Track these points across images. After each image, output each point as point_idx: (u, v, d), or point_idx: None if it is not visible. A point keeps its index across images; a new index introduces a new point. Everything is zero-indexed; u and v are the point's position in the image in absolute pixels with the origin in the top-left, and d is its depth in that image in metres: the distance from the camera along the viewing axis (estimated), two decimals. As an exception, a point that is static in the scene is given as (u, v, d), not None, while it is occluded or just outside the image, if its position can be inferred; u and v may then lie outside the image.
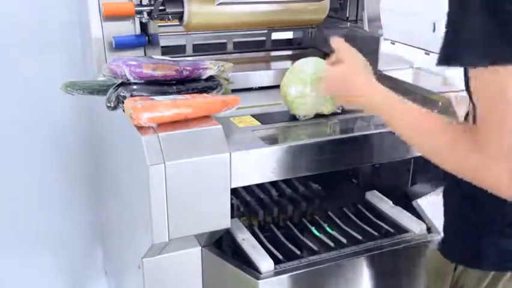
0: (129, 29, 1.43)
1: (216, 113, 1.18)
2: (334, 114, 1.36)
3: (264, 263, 1.19)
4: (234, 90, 1.39)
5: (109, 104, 1.19)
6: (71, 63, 1.74)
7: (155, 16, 1.41)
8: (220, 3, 1.46)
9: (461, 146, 0.85)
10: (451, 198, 1.03)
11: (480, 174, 0.84)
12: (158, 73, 1.19)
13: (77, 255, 2.02)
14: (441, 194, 1.06)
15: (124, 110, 1.16)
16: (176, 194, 1.09)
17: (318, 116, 1.35)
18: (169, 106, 1.12)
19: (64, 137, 1.85)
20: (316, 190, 1.46)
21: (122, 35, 1.41)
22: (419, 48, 1.59)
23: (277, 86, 1.40)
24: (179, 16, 1.47)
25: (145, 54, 1.45)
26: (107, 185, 1.66)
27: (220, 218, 1.15)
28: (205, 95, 1.23)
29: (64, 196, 1.92)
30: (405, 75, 1.51)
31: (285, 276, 1.19)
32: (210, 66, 1.25)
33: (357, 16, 1.71)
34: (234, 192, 1.29)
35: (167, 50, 1.59)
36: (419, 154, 1.32)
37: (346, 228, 1.36)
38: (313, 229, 1.36)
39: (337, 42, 1.20)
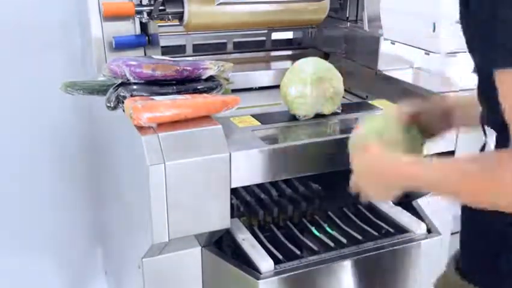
0: (129, 29, 1.43)
1: (216, 113, 1.18)
2: (334, 114, 1.36)
3: (264, 263, 1.19)
4: (234, 90, 1.39)
5: (109, 104, 1.19)
6: (71, 63, 1.73)
7: (155, 16, 1.41)
8: (220, 3, 1.46)
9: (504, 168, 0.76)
10: (470, 213, 0.95)
11: None
12: (158, 73, 1.19)
13: (77, 255, 2.02)
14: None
15: (124, 110, 1.16)
16: (176, 194, 1.09)
17: (318, 116, 1.35)
18: (169, 106, 1.12)
19: (63, 137, 1.85)
20: (316, 190, 1.46)
21: (122, 35, 1.41)
22: (419, 48, 1.59)
23: (277, 86, 1.40)
24: (179, 16, 1.47)
25: (145, 54, 1.45)
26: (107, 185, 1.66)
27: (220, 218, 1.15)
28: (205, 95, 1.23)
29: (64, 196, 1.92)
30: (405, 75, 1.51)
31: (285, 276, 1.19)
32: (210, 66, 1.25)
33: (357, 16, 1.71)
34: (234, 192, 1.29)
35: (167, 50, 1.59)
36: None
37: (346, 228, 1.35)
38: (313, 229, 1.36)
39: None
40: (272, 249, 1.27)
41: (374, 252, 1.28)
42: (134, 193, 1.23)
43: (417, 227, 1.35)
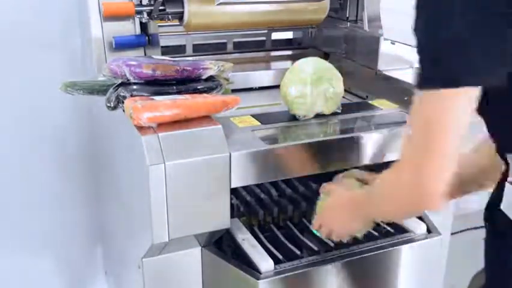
0: (129, 29, 1.43)
1: (216, 113, 1.18)
2: (334, 114, 1.36)
3: (264, 263, 1.19)
4: (234, 90, 1.39)
5: (109, 104, 1.19)
6: (71, 63, 1.73)
7: (155, 16, 1.41)
8: (220, 3, 1.46)
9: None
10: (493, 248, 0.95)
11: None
12: (158, 73, 1.19)
13: (77, 255, 2.02)
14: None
15: (124, 110, 1.16)
16: (176, 194, 1.09)
17: (318, 116, 1.35)
18: (169, 106, 1.12)
19: (63, 137, 1.85)
20: (317, 190, 1.46)
21: (122, 35, 1.41)
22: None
23: (277, 86, 1.40)
24: (179, 16, 1.47)
25: (145, 54, 1.45)
26: (107, 185, 1.66)
27: (220, 218, 1.15)
28: (205, 95, 1.23)
29: (63, 196, 1.92)
30: (405, 75, 1.51)
31: (285, 276, 1.19)
32: (210, 66, 1.25)
33: (357, 16, 1.71)
34: (234, 192, 1.29)
35: (167, 50, 1.59)
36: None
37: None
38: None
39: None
40: (272, 249, 1.27)
41: (374, 252, 1.28)
42: (134, 193, 1.23)
43: (417, 227, 1.35)
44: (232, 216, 1.19)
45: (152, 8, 1.40)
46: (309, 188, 1.45)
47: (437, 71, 0.79)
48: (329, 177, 1.28)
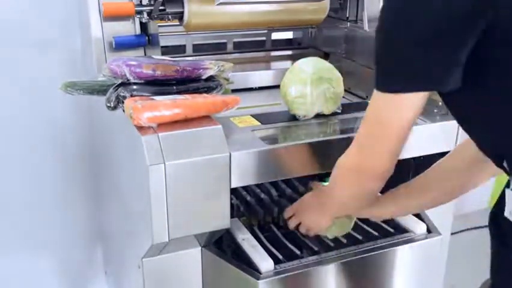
0: (129, 29, 1.43)
1: (216, 113, 1.18)
2: (334, 114, 1.36)
3: (264, 263, 1.19)
4: (234, 90, 1.39)
5: (109, 104, 1.19)
6: (71, 63, 1.73)
7: (155, 16, 1.41)
8: (220, 3, 1.45)
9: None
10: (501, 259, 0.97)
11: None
12: (158, 73, 1.19)
13: (77, 255, 2.02)
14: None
15: (124, 110, 1.16)
16: (176, 194, 1.09)
17: (318, 116, 1.35)
18: (169, 106, 1.12)
19: (63, 137, 1.85)
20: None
21: (122, 35, 1.41)
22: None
23: (277, 86, 1.40)
24: (179, 16, 1.47)
25: (145, 54, 1.45)
26: (107, 185, 1.66)
27: (220, 218, 1.15)
28: (205, 95, 1.23)
29: (63, 196, 1.92)
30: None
31: (285, 276, 1.19)
32: (210, 66, 1.25)
33: (357, 16, 1.71)
34: (234, 192, 1.29)
35: (167, 50, 1.59)
36: (418, 154, 1.33)
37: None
38: (313, 229, 1.36)
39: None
40: (272, 249, 1.27)
41: (374, 252, 1.28)
42: (134, 193, 1.23)
43: (417, 227, 1.35)
44: (232, 216, 1.19)
45: (152, 8, 1.40)
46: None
47: (393, 75, 0.86)
48: (328, 177, 1.28)
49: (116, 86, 1.19)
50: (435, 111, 1.34)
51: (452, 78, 0.81)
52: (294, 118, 1.34)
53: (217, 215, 1.15)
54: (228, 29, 1.76)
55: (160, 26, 1.50)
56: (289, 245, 1.29)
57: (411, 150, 1.30)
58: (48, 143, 1.84)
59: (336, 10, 1.75)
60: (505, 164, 0.86)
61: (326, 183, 1.29)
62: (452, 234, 1.59)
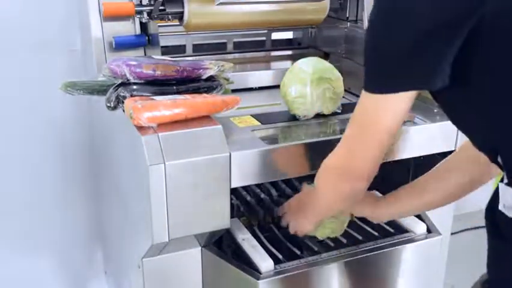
0: (129, 29, 1.43)
1: (216, 113, 1.18)
2: (334, 114, 1.36)
3: (264, 263, 1.19)
4: (234, 90, 1.39)
5: (109, 104, 1.19)
6: (71, 63, 1.73)
7: (155, 16, 1.41)
8: (220, 3, 1.45)
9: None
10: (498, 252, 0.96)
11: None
12: (158, 73, 1.19)
13: (77, 255, 2.02)
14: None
15: (124, 110, 1.16)
16: (176, 194, 1.09)
17: (318, 116, 1.35)
18: (169, 106, 1.12)
19: (63, 137, 1.85)
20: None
21: (122, 35, 1.41)
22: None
23: (277, 86, 1.40)
24: (179, 16, 1.47)
25: (145, 54, 1.45)
26: (107, 185, 1.66)
27: (220, 218, 1.15)
28: (205, 95, 1.23)
29: (63, 196, 1.92)
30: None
31: (285, 276, 1.19)
32: (210, 66, 1.25)
33: (357, 16, 1.71)
34: (234, 192, 1.29)
35: (167, 50, 1.59)
36: (418, 154, 1.33)
37: (346, 228, 1.35)
38: (313, 229, 1.36)
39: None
40: (272, 249, 1.27)
41: (374, 252, 1.28)
42: (134, 193, 1.23)
43: (417, 227, 1.35)
44: (232, 216, 1.19)
45: (152, 8, 1.40)
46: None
47: (380, 76, 0.87)
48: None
49: (116, 86, 1.19)
50: (435, 111, 1.34)
51: (439, 77, 0.82)
52: (294, 118, 1.34)
53: (217, 215, 1.15)
54: (228, 29, 1.76)
55: (160, 26, 1.50)
56: (289, 245, 1.29)
57: (411, 150, 1.30)
58: (48, 143, 1.84)
59: (336, 10, 1.75)
60: (499, 159, 0.87)
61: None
62: (452, 234, 1.59)
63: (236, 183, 1.15)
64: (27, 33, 1.70)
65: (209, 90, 1.26)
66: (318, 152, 1.22)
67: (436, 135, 1.33)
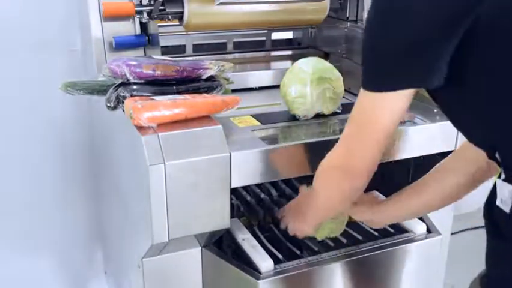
0: (129, 29, 1.43)
1: (216, 113, 1.18)
2: (334, 114, 1.36)
3: (264, 263, 1.19)
4: (234, 90, 1.39)
5: (109, 104, 1.19)
6: (71, 63, 1.73)
7: (155, 16, 1.41)
8: (220, 3, 1.46)
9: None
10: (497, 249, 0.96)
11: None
12: (158, 73, 1.19)
13: (77, 255, 2.02)
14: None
15: (124, 110, 1.16)
16: (176, 194, 1.09)
17: (318, 116, 1.35)
18: (169, 106, 1.12)
19: (63, 137, 1.85)
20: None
21: (122, 35, 1.41)
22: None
23: (277, 86, 1.40)
24: (179, 16, 1.47)
25: (145, 54, 1.45)
26: (107, 185, 1.66)
27: (220, 218, 1.15)
28: (205, 95, 1.23)
29: (63, 196, 1.92)
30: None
31: (285, 276, 1.19)
32: (210, 66, 1.25)
33: (357, 16, 1.71)
34: (234, 192, 1.29)
35: (167, 50, 1.59)
36: (418, 154, 1.33)
37: (346, 228, 1.35)
38: (313, 229, 1.36)
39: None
40: (272, 249, 1.27)
41: (374, 252, 1.28)
42: (134, 193, 1.23)
43: (417, 227, 1.35)
44: (232, 216, 1.19)
45: (152, 8, 1.40)
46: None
47: (377, 74, 0.88)
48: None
49: (116, 86, 1.19)
50: (435, 111, 1.34)
51: (436, 76, 0.82)
52: (294, 118, 1.34)
53: (217, 215, 1.15)
54: (228, 29, 1.76)
55: (160, 26, 1.50)
56: (289, 245, 1.29)
57: (411, 150, 1.30)
58: (48, 143, 1.84)
59: (336, 10, 1.75)
60: (497, 156, 0.87)
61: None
62: (452, 234, 1.59)
63: (236, 183, 1.15)
64: (27, 33, 1.70)
65: (209, 90, 1.26)
66: (318, 152, 1.22)
67: (436, 135, 1.33)
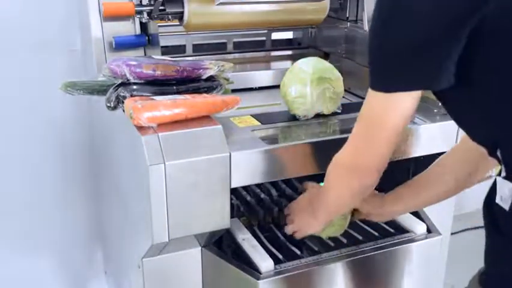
0: (129, 29, 1.43)
1: (216, 113, 1.18)
2: (334, 114, 1.36)
3: (264, 263, 1.19)
4: (234, 90, 1.39)
5: (109, 104, 1.19)
6: (71, 63, 1.73)
7: (155, 16, 1.41)
8: (220, 3, 1.46)
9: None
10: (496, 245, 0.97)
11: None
12: (158, 73, 1.19)
13: (77, 255, 2.02)
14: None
15: (124, 110, 1.16)
16: (176, 194, 1.09)
17: (318, 116, 1.35)
18: (169, 106, 1.12)
19: (63, 137, 1.85)
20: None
21: (122, 35, 1.41)
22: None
23: (277, 86, 1.40)
24: (180, 16, 1.47)
25: (145, 54, 1.45)
26: (107, 185, 1.66)
27: (220, 218, 1.15)
28: (205, 95, 1.23)
29: (63, 196, 1.92)
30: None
31: (285, 276, 1.19)
32: (210, 66, 1.25)
33: (357, 16, 1.71)
34: (234, 192, 1.29)
35: (167, 50, 1.59)
36: (418, 154, 1.33)
37: (346, 228, 1.35)
38: (313, 229, 1.36)
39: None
40: (272, 249, 1.27)
41: (374, 252, 1.28)
42: (134, 193, 1.23)
43: (417, 227, 1.35)
44: (232, 216, 1.19)
45: (152, 8, 1.40)
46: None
47: (385, 75, 0.87)
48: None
49: (116, 86, 1.19)
50: (435, 111, 1.34)
51: (445, 76, 0.82)
52: (294, 118, 1.34)
53: (217, 215, 1.15)
54: (228, 29, 1.76)
55: (160, 26, 1.50)
56: (289, 245, 1.29)
57: (412, 150, 1.30)
58: (48, 143, 1.84)
59: (336, 10, 1.75)
60: (498, 153, 0.87)
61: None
62: (452, 234, 1.59)
63: (236, 183, 1.15)
64: (27, 33, 1.70)
65: (209, 90, 1.26)
66: (318, 152, 1.23)
67: (436, 135, 1.33)
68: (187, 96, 1.19)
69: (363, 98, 1.57)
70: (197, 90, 1.24)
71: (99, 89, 1.25)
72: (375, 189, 1.33)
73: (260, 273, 1.18)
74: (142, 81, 1.19)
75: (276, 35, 1.87)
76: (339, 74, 1.36)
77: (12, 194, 1.84)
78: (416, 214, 1.39)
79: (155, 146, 1.07)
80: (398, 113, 0.90)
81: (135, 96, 1.17)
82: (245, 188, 1.45)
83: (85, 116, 1.79)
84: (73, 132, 1.85)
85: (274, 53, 1.89)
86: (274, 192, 1.46)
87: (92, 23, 1.40)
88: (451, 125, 1.33)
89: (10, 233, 1.87)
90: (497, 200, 0.88)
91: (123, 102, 1.16)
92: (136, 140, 1.09)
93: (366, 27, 1.60)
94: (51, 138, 1.84)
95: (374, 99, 0.91)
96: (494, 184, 0.91)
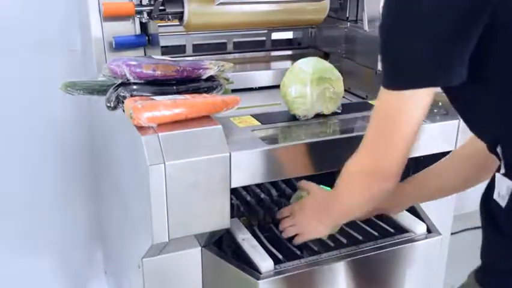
0: (129, 29, 1.43)
1: (216, 113, 1.18)
2: (334, 114, 1.36)
3: (264, 263, 1.19)
4: (234, 90, 1.39)
5: (109, 104, 1.19)
6: (71, 63, 1.73)
7: (155, 16, 1.41)
8: (220, 3, 1.46)
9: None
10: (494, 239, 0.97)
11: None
12: (158, 73, 1.19)
13: (77, 255, 2.02)
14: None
15: (124, 110, 1.16)
16: (176, 194, 1.09)
17: (318, 116, 1.35)
18: (169, 106, 1.12)
19: (63, 137, 1.85)
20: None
21: (122, 35, 1.41)
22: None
23: (277, 86, 1.40)
24: (180, 16, 1.47)
25: (145, 54, 1.45)
26: (107, 185, 1.66)
27: (220, 218, 1.15)
28: (205, 95, 1.23)
29: (63, 196, 1.92)
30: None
31: (285, 276, 1.19)
32: (210, 66, 1.25)
33: (357, 16, 1.71)
34: (234, 192, 1.29)
35: (167, 50, 1.59)
36: (418, 154, 1.33)
37: (346, 228, 1.35)
38: (313, 229, 1.36)
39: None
40: (272, 249, 1.27)
41: (374, 252, 1.28)
42: (134, 193, 1.23)
43: (418, 227, 1.35)
44: (232, 216, 1.19)
45: (152, 8, 1.40)
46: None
47: (397, 73, 0.86)
48: (328, 177, 1.28)
49: (116, 86, 1.19)
50: (435, 111, 1.34)
51: (457, 73, 0.81)
52: (294, 118, 1.34)
53: (217, 215, 1.15)
54: (228, 29, 1.76)
55: (160, 26, 1.50)
56: (289, 245, 1.29)
57: (412, 150, 1.30)
58: (48, 143, 1.84)
59: (336, 10, 1.75)
60: (498, 150, 0.87)
61: (324, 187, 1.29)
62: (452, 234, 1.59)
63: (236, 183, 1.15)
64: (27, 33, 1.70)
65: (209, 90, 1.26)
66: (318, 152, 1.23)
67: (436, 135, 1.33)
68: (187, 96, 1.19)
69: (363, 98, 1.59)
70: (197, 90, 1.24)
71: (99, 89, 1.25)
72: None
73: (260, 273, 1.18)
74: (142, 81, 1.19)
75: (276, 35, 1.87)
76: (339, 74, 1.36)
77: (12, 194, 1.84)
78: (416, 214, 1.39)
79: (155, 146, 1.07)
80: (413, 111, 0.88)
81: (135, 96, 1.17)
82: (245, 188, 1.45)
83: (85, 116, 1.79)
84: (73, 132, 1.85)
85: (274, 53, 1.89)
86: (274, 192, 1.46)
87: (92, 23, 1.40)
88: (451, 125, 1.33)
89: (10, 233, 1.87)
90: (495, 196, 0.88)
91: (123, 102, 1.16)
92: (136, 140, 1.09)
93: (366, 27, 1.60)
94: (51, 138, 1.84)
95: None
96: (493, 180, 0.90)
